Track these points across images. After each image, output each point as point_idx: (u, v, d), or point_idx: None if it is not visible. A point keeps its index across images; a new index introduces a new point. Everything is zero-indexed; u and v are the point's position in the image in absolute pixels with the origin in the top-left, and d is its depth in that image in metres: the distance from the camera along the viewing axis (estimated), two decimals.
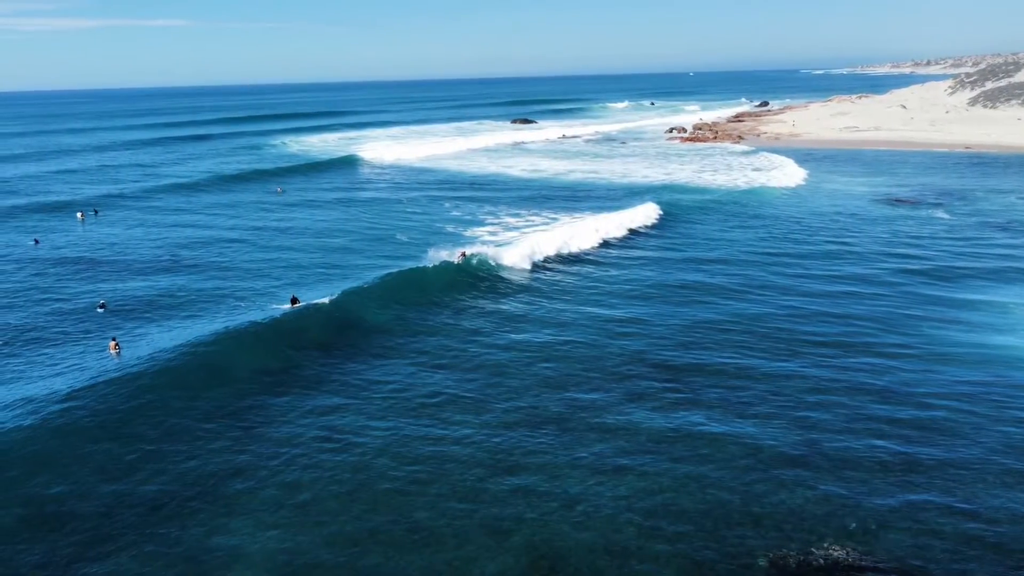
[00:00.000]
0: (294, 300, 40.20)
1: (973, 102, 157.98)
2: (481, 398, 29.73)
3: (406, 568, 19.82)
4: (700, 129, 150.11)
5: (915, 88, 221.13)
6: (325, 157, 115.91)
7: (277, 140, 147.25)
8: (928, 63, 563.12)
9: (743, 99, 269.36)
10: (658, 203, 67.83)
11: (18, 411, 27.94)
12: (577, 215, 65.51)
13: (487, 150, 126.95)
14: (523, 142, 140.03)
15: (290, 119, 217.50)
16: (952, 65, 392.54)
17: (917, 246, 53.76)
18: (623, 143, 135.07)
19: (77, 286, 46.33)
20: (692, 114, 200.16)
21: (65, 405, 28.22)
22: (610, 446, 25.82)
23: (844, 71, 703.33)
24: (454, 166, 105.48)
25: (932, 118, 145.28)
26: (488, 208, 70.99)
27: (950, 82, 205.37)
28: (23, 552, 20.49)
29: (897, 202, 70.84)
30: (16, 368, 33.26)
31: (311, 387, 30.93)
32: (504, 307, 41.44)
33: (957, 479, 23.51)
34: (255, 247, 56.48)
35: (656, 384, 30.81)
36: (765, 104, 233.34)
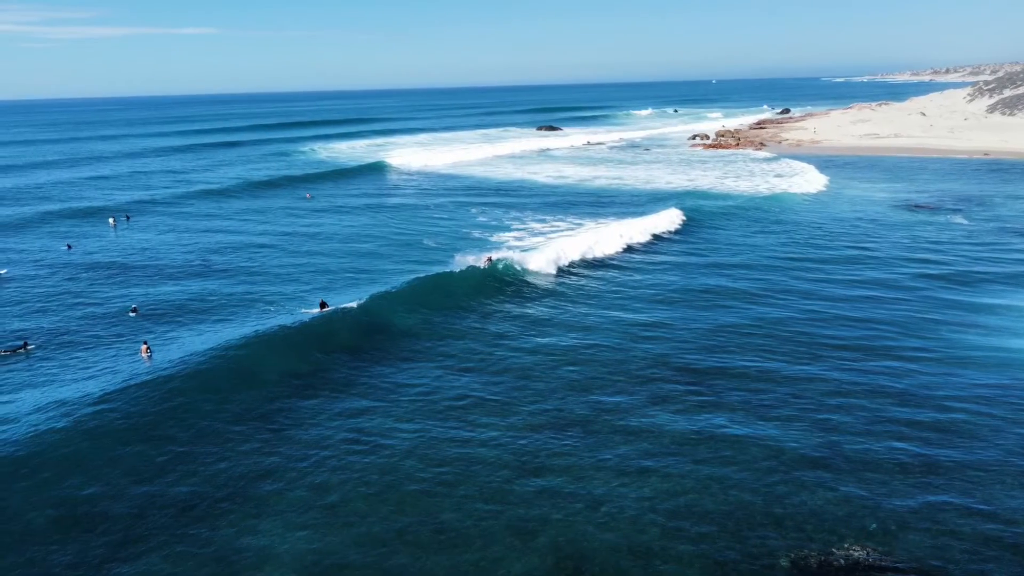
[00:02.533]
0: (323, 304, 40.94)
1: (991, 109, 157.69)
2: (507, 401, 30.19)
3: (433, 569, 20.17)
4: (723, 136, 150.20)
5: (934, 96, 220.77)
6: (353, 163, 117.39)
7: (306, 147, 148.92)
8: (947, 71, 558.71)
9: (765, 106, 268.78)
10: (681, 209, 68.21)
11: (51, 413, 28.55)
12: (602, 220, 65.98)
13: (513, 157, 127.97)
14: (548, 149, 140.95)
15: (318, 126, 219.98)
16: (971, 73, 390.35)
17: (936, 251, 53.90)
18: (647, 150, 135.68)
19: (109, 290, 47.22)
20: (714, 121, 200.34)
21: (97, 408, 28.82)
22: (634, 448, 26.20)
23: (864, 79, 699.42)
24: (480, 172, 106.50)
25: (951, 125, 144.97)
26: (514, 214, 71.63)
27: (969, 89, 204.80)
28: (56, 552, 20.95)
29: (916, 208, 70.91)
30: (49, 371, 33.99)
31: (339, 390, 31.45)
32: (530, 311, 41.91)
33: (976, 481, 23.76)
34: (284, 252, 57.34)
35: (679, 387, 31.21)
36: (786, 111, 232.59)
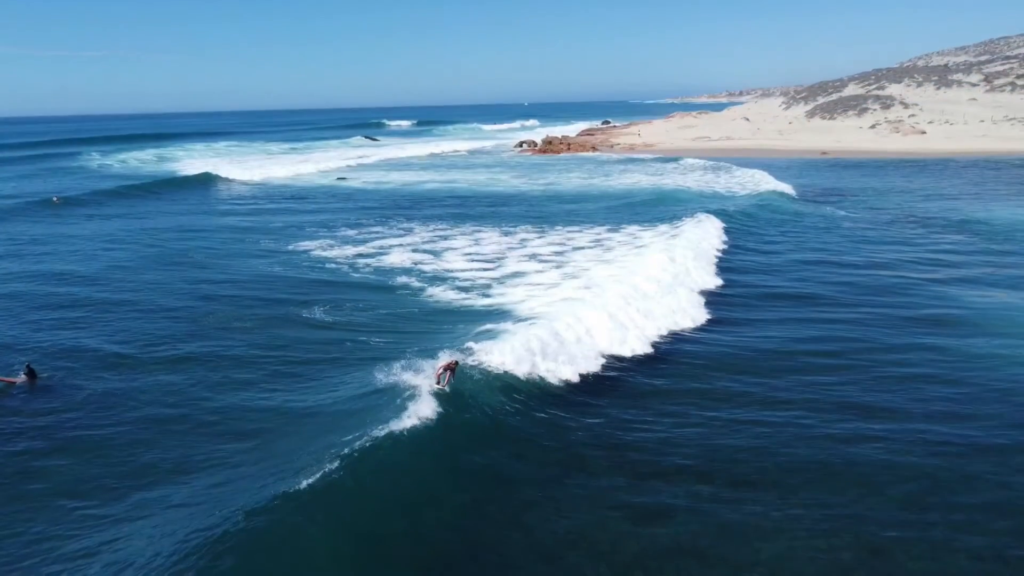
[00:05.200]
0: (30, 373, 25.09)
1: (811, 114, 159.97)
2: None
3: None
4: (550, 143, 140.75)
5: (750, 104, 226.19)
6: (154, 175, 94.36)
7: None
8: (740, 93, 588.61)
9: (581, 123, 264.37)
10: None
11: None
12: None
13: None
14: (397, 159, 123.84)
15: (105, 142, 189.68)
16: (761, 95, 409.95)
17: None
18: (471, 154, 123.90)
19: None
20: (533, 131, 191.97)
21: None
22: None
23: (666, 100, 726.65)
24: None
25: (778, 128, 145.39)
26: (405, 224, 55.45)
27: (782, 99, 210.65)
28: None
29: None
30: None
31: None
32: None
33: None
34: None
35: None
36: (607, 122, 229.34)
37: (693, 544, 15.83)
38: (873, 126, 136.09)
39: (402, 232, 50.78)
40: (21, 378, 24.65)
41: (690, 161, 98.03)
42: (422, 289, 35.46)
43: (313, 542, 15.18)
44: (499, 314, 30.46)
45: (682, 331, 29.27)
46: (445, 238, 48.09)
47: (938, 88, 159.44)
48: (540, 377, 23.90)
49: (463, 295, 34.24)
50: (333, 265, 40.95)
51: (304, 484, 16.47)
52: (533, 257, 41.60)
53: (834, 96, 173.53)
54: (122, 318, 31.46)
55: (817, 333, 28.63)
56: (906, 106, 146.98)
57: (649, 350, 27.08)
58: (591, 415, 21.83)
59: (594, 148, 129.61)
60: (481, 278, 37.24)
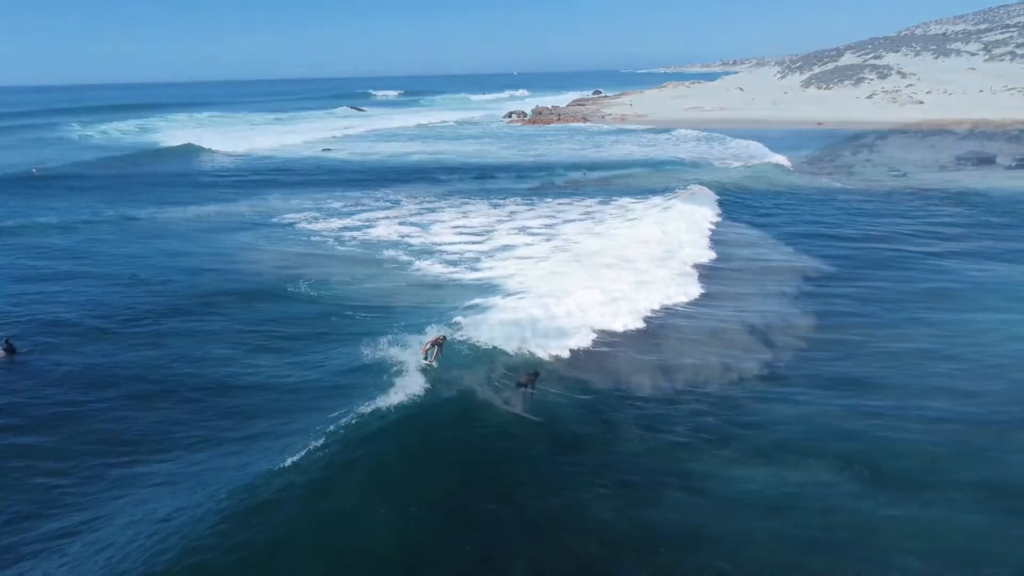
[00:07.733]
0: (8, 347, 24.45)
1: (806, 84, 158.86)
2: None
3: None
4: (540, 114, 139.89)
5: (745, 74, 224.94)
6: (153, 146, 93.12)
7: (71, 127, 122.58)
8: (734, 62, 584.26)
9: (572, 93, 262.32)
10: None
11: None
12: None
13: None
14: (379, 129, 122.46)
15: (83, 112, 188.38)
16: (756, 64, 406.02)
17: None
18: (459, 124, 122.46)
19: None
20: (523, 100, 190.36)
21: None
22: None
23: (659, 70, 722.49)
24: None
25: (773, 99, 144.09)
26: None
27: (778, 68, 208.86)
28: None
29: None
30: None
31: None
32: None
33: None
34: None
35: None
36: (598, 92, 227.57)
37: (686, 523, 15.49)
38: (870, 96, 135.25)
39: (389, 204, 50.23)
40: None
41: (683, 132, 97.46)
42: (409, 263, 35.00)
43: (298, 520, 14.80)
44: (488, 288, 30.08)
45: (675, 305, 28.82)
46: (433, 210, 47.60)
47: (936, 57, 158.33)
48: (530, 352, 23.54)
49: (451, 269, 33.80)
50: (318, 238, 40.40)
51: (288, 462, 16.16)
52: (523, 230, 41.17)
53: (830, 66, 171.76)
54: (103, 292, 30.89)
55: (813, 307, 28.27)
56: (903, 76, 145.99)
57: (641, 325, 26.63)
58: (581, 391, 21.44)
59: (585, 119, 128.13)
60: (469, 251, 36.83)
